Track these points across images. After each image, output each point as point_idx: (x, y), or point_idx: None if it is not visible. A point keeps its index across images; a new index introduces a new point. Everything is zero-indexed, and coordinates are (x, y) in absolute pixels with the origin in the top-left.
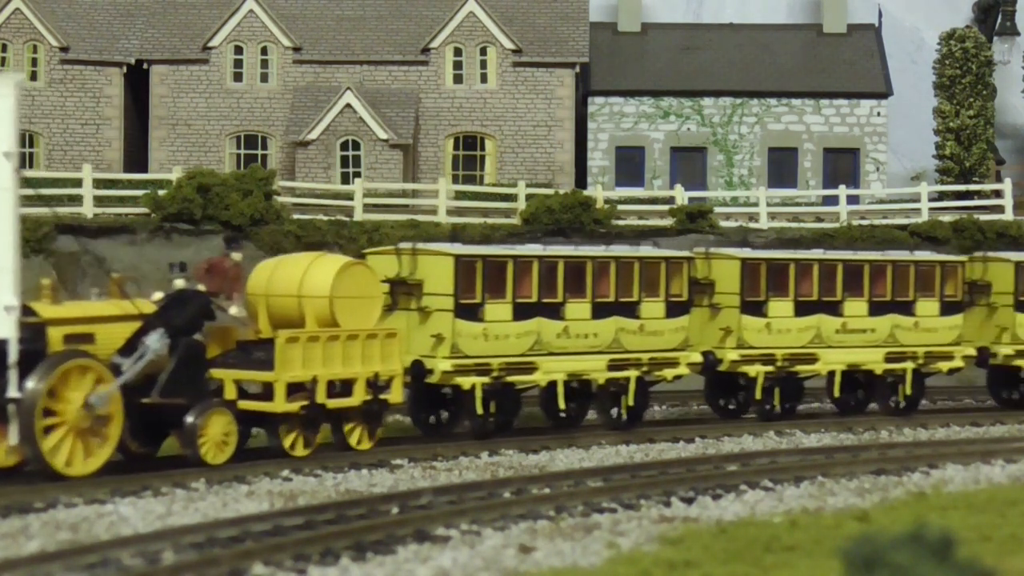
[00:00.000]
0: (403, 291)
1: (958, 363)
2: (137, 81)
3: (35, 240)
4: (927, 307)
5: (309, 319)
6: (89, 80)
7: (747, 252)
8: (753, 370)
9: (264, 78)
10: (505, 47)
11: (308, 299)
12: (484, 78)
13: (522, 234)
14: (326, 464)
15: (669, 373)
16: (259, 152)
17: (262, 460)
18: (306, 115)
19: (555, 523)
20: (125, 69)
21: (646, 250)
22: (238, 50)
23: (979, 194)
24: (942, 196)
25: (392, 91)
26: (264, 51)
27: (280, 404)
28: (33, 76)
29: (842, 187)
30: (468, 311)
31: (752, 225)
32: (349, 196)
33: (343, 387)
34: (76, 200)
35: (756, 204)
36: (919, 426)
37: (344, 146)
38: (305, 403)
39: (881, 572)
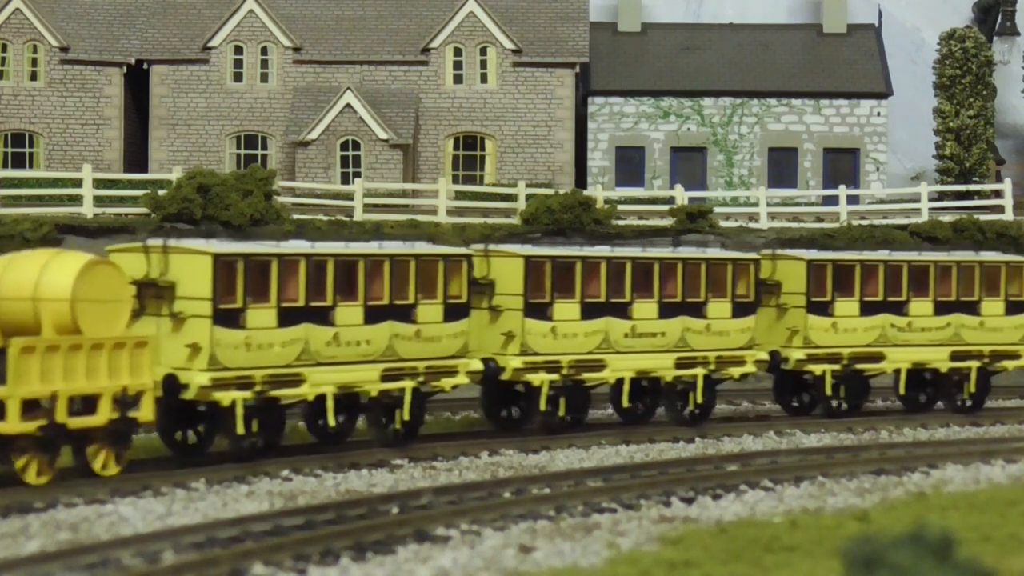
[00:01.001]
0: (153, 294)
1: (750, 368)
2: (137, 81)
3: (35, 240)
4: (718, 308)
5: (47, 326)
6: (89, 80)
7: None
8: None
9: (264, 78)
10: (505, 47)
11: (45, 303)
12: (484, 78)
13: (522, 234)
14: (326, 464)
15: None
16: (259, 152)
17: (262, 460)
18: (306, 115)
19: (555, 523)
20: (125, 69)
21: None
22: (238, 50)
23: (979, 194)
24: (942, 196)
25: (392, 91)
26: (264, 51)
27: (13, 424)
28: (33, 76)
29: (842, 187)
30: (228, 317)
31: (752, 225)
32: (349, 196)
33: (86, 404)
34: (76, 200)
35: (756, 204)
36: (919, 426)
37: (344, 146)
38: (43, 423)
39: (881, 572)
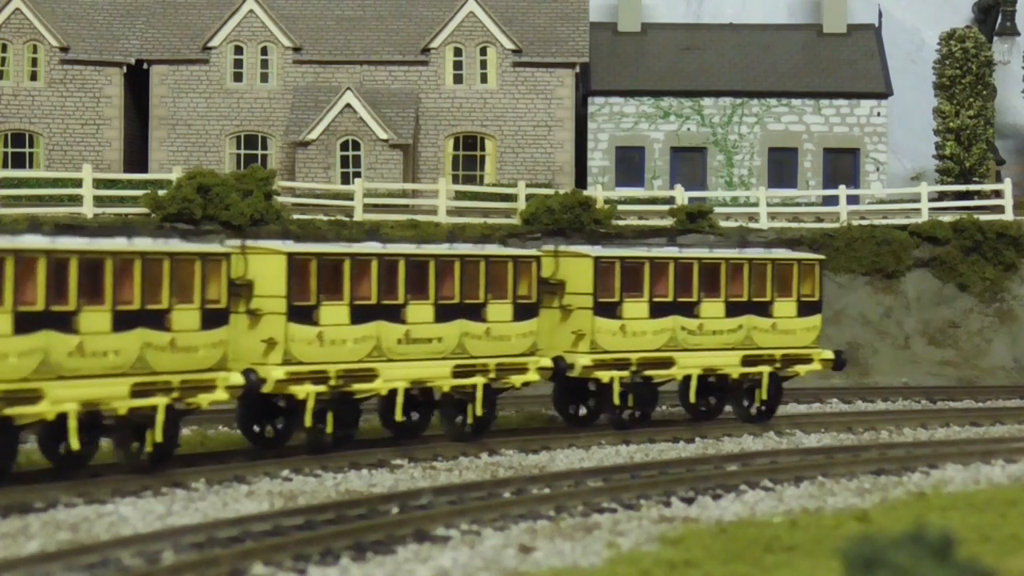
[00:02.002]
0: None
1: (532, 376)
2: (137, 81)
3: None
4: (499, 311)
5: None
6: (89, 80)
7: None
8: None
9: (264, 78)
10: (505, 47)
11: None
12: (484, 78)
13: (522, 234)
14: (326, 464)
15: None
16: (259, 152)
17: (262, 460)
18: (306, 115)
19: (555, 523)
20: (125, 69)
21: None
22: (238, 50)
23: (979, 194)
24: (942, 196)
25: (392, 91)
26: (264, 51)
27: None
28: (33, 76)
29: (842, 187)
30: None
31: (752, 225)
32: (349, 196)
33: None
34: (76, 200)
35: (756, 204)
36: (919, 426)
37: (344, 146)
38: None
39: (881, 572)
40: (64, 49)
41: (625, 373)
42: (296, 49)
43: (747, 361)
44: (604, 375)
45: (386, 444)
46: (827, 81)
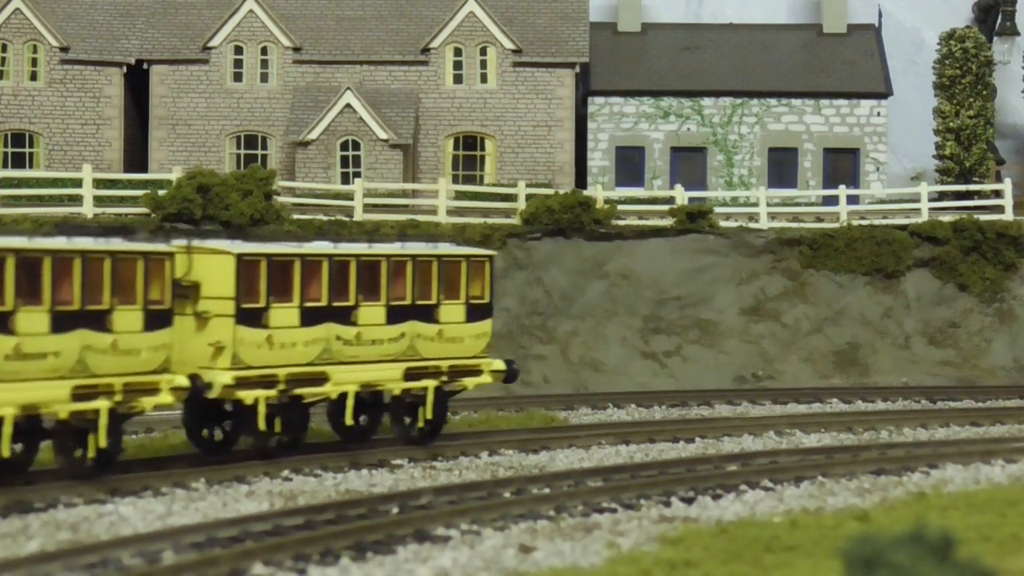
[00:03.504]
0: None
1: (165, 398)
2: (137, 81)
3: None
4: (127, 319)
5: None
6: (89, 80)
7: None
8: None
9: (264, 78)
10: (505, 47)
11: None
12: (484, 78)
13: (522, 234)
14: (326, 464)
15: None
16: (259, 152)
17: (262, 460)
18: (306, 115)
19: (555, 523)
20: (125, 69)
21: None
22: (238, 50)
23: (979, 194)
24: (942, 196)
25: (392, 91)
26: (264, 51)
27: None
28: (33, 76)
29: (842, 187)
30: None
31: (752, 225)
32: (349, 196)
33: None
34: (76, 200)
35: (756, 204)
36: (919, 426)
37: (344, 146)
38: None
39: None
40: (64, 49)
41: (272, 392)
42: (296, 49)
43: (410, 375)
44: (248, 395)
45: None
46: (827, 81)
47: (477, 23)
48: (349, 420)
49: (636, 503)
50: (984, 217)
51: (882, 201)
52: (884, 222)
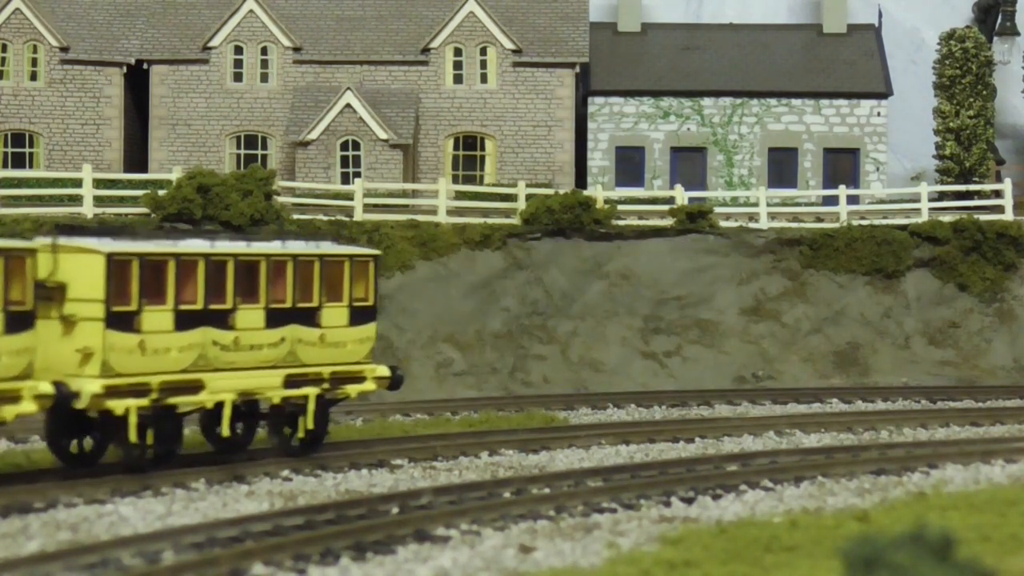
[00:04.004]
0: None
1: (27, 407)
2: (137, 81)
3: None
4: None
5: None
6: (89, 80)
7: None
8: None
9: (264, 78)
10: (505, 47)
11: None
12: (484, 78)
13: (522, 234)
14: (326, 464)
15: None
16: (259, 152)
17: (262, 460)
18: (306, 115)
19: (555, 523)
20: (125, 69)
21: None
22: (238, 50)
23: (979, 194)
24: (942, 196)
25: (392, 91)
26: (264, 51)
27: None
28: (33, 76)
29: (842, 187)
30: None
31: (752, 225)
32: (349, 196)
33: None
34: (76, 200)
35: (756, 204)
36: (919, 426)
37: (344, 146)
38: None
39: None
40: (64, 49)
41: (144, 401)
42: (296, 49)
43: (291, 382)
44: (118, 405)
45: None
46: (827, 81)
47: (477, 23)
48: (226, 431)
49: (636, 503)
50: (984, 217)
51: (882, 201)
52: (884, 222)
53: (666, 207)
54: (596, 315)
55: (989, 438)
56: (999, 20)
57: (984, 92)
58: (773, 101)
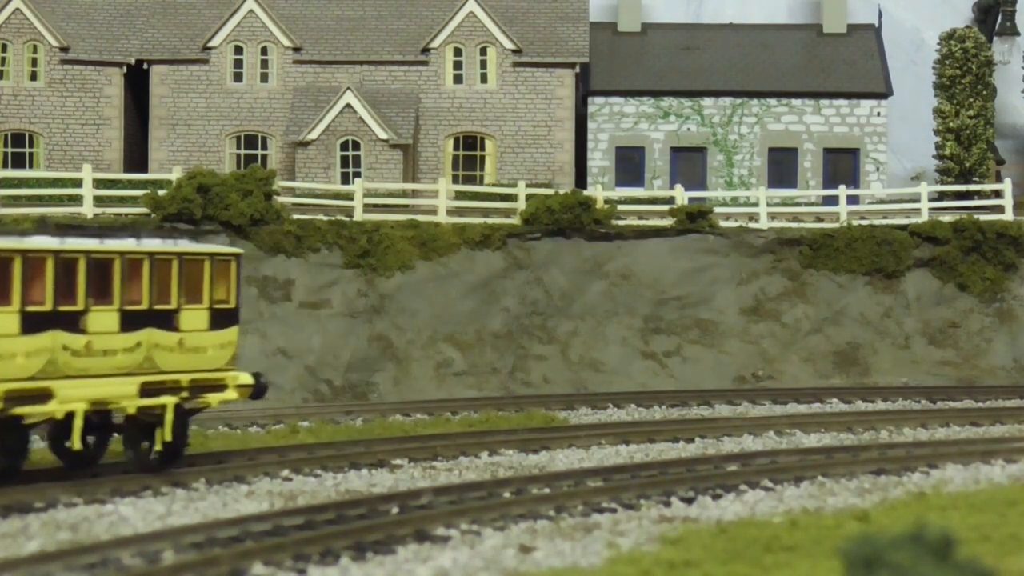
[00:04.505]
0: None
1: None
2: (137, 81)
3: None
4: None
5: None
6: (89, 80)
7: None
8: None
9: (264, 78)
10: (505, 47)
11: None
12: (484, 78)
13: (522, 234)
14: (326, 464)
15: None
16: (259, 152)
17: (262, 460)
18: (306, 115)
19: (555, 523)
20: (125, 69)
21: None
22: (238, 50)
23: (979, 194)
24: (942, 196)
25: (392, 91)
26: (264, 51)
27: None
28: (33, 76)
29: (842, 187)
30: None
31: (752, 225)
32: (349, 196)
33: None
34: (76, 200)
35: (756, 204)
36: (919, 426)
37: (344, 146)
38: None
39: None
40: (64, 49)
41: None
42: (296, 49)
43: (147, 390)
44: None
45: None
46: (827, 81)
47: (477, 23)
48: (77, 444)
49: (636, 503)
50: (984, 217)
51: (882, 201)
52: (884, 222)
53: (666, 207)
54: (596, 315)
55: (989, 438)
56: (999, 20)
57: (984, 92)
58: (773, 101)
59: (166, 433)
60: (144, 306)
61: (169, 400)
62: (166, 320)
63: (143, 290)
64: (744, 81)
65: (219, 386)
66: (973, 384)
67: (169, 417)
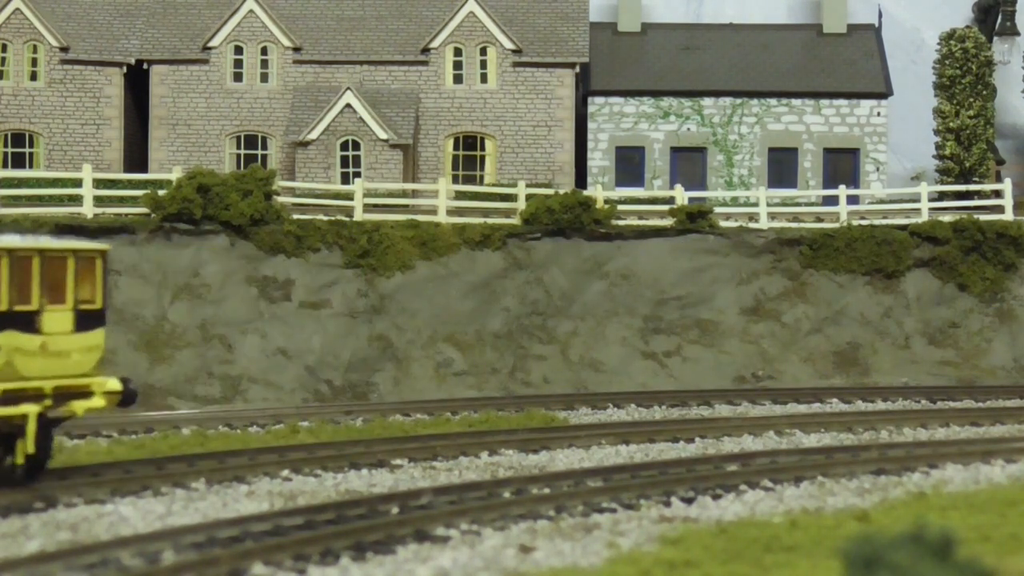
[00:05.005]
0: None
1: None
2: (137, 81)
3: None
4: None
5: None
6: (89, 80)
7: None
8: None
9: (264, 78)
10: (505, 47)
11: None
12: (484, 78)
13: (522, 234)
14: (326, 464)
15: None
16: (259, 152)
17: (262, 460)
18: (306, 115)
19: (555, 523)
20: (125, 69)
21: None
22: (238, 50)
23: (979, 194)
24: (942, 196)
25: (392, 91)
26: (264, 51)
27: None
28: (33, 76)
29: (842, 187)
30: None
31: (752, 225)
32: (349, 196)
33: None
34: (76, 200)
35: (756, 204)
36: (919, 426)
37: (344, 146)
38: None
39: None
40: (64, 49)
41: None
42: (296, 49)
43: (8, 398)
44: None
45: None
46: (827, 81)
47: (477, 23)
48: None
49: (636, 503)
50: (984, 217)
51: (882, 201)
52: (884, 222)
53: (666, 207)
54: (596, 315)
55: (989, 438)
56: (999, 20)
57: (984, 92)
58: (773, 101)
59: (28, 445)
60: (3, 307)
61: (31, 409)
62: (27, 322)
63: (2, 290)
64: (744, 81)
65: (85, 393)
66: (973, 384)
67: (31, 427)
